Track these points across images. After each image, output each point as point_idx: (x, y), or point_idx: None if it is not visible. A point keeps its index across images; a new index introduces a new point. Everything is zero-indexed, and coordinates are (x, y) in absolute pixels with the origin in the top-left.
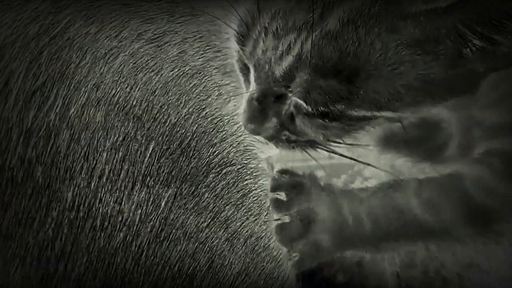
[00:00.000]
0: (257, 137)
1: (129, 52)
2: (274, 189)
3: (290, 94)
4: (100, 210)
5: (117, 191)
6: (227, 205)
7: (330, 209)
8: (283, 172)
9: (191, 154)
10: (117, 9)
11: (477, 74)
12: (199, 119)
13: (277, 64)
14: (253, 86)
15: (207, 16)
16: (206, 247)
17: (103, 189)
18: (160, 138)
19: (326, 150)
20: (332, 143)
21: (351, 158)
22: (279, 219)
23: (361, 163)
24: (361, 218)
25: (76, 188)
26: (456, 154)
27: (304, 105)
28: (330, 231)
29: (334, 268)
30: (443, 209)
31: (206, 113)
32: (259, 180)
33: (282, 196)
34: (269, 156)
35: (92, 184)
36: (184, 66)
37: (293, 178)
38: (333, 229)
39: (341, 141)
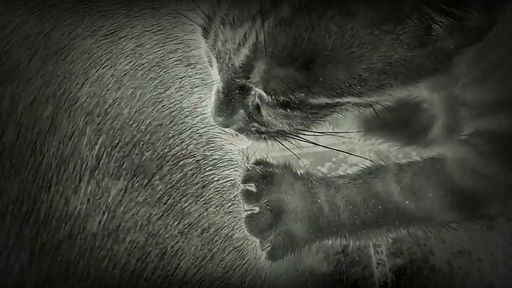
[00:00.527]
0: (227, 129)
1: (82, 49)
2: (245, 180)
3: (251, 85)
4: (45, 203)
5: (63, 185)
6: (183, 197)
7: (304, 198)
8: (256, 163)
9: (144, 148)
10: (72, 7)
11: (447, 51)
12: (155, 113)
13: (235, 55)
14: (217, 78)
15: (165, 10)
16: (158, 239)
17: (48, 183)
18: (110, 132)
19: (299, 140)
20: (307, 132)
21: (325, 147)
22: (248, 210)
23: (339, 151)
24: (337, 206)
25: (22, 183)
26: (441, 136)
27: (265, 95)
28: (303, 220)
29: (318, 257)
30: (424, 194)
31: (163, 106)
32: (224, 171)
33: (252, 187)
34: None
35: (38, 179)
36: (140, 59)
37: (264, 169)
38: (307, 218)
39: (317, 131)
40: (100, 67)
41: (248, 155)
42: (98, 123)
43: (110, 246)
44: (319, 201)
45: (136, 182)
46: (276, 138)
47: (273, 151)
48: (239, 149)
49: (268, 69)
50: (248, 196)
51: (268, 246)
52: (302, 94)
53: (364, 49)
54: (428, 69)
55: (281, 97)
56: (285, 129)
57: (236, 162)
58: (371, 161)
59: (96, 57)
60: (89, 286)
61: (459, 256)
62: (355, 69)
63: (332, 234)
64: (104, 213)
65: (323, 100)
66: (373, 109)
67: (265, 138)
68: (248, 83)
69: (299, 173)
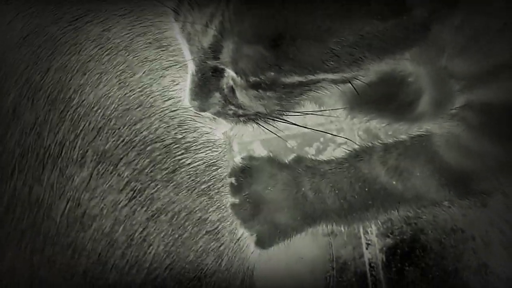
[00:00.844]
0: (204, 114)
1: (46, 37)
2: (230, 175)
3: (223, 67)
4: (8, 193)
5: (26, 174)
6: (151, 182)
7: (288, 187)
8: (242, 158)
9: (109, 134)
10: None
11: (423, 20)
12: (121, 97)
13: (204, 36)
14: (190, 61)
15: None
16: (125, 225)
17: (11, 172)
18: (75, 119)
19: (281, 122)
20: (289, 113)
21: (305, 127)
22: (232, 202)
23: (324, 132)
24: (323, 193)
25: None
26: (430, 111)
27: (235, 76)
28: (288, 209)
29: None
30: (412, 174)
31: (130, 91)
32: (198, 153)
33: (233, 180)
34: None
35: (0, 168)
36: (106, 44)
37: (245, 163)
38: (293, 206)
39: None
40: (64, 54)
41: (232, 138)
42: (62, 111)
43: (75, 234)
44: (303, 189)
45: (102, 169)
46: (256, 121)
47: (261, 135)
48: (222, 132)
49: (236, 48)
50: (231, 189)
51: (253, 235)
52: (273, 73)
53: (333, 21)
54: (404, 40)
55: (252, 77)
56: (261, 111)
57: (213, 143)
58: (356, 142)
59: (60, 44)
60: (55, 273)
61: (452, 235)
62: (325, 43)
63: (320, 220)
64: (68, 201)
65: (296, 78)
66: (352, 85)
67: (244, 121)
68: (219, 64)
69: (286, 161)
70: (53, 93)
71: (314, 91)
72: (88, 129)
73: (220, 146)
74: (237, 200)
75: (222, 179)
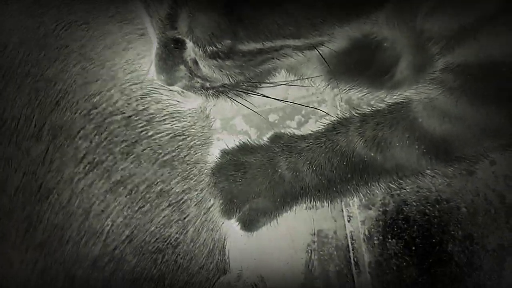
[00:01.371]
0: (172, 88)
1: (6, 15)
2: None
3: (182, 37)
4: None
5: None
6: (110, 155)
7: (263, 170)
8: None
9: (66, 107)
10: None
11: None
12: (81, 71)
13: (160, 5)
14: (152, 33)
15: None
16: (82, 198)
17: None
18: (32, 93)
19: (251, 94)
20: (258, 84)
21: (279, 100)
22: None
23: (300, 105)
24: (300, 171)
25: None
26: (409, 77)
27: (194, 46)
28: (266, 192)
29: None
30: (390, 144)
31: (90, 64)
32: (163, 124)
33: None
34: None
35: None
36: (66, 18)
37: (217, 160)
38: (270, 189)
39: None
40: (22, 30)
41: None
42: (19, 86)
43: (31, 207)
44: (280, 170)
45: (58, 143)
46: (226, 94)
47: (243, 109)
48: (196, 106)
49: (190, 16)
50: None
51: (237, 224)
52: (229, 41)
53: None
54: (366, 2)
55: (208, 47)
56: (226, 81)
57: (180, 114)
58: (337, 114)
59: (20, 20)
60: (10, 246)
61: (436, 205)
62: (280, 6)
63: (301, 198)
64: (24, 175)
65: (253, 45)
66: (318, 51)
67: (214, 95)
68: (177, 35)
69: (260, 143)
70: (10, 69)
71: (277, 59)
72: (45, 103)
73: (190, 116)
74: (211, 198)
75: (190, 147)
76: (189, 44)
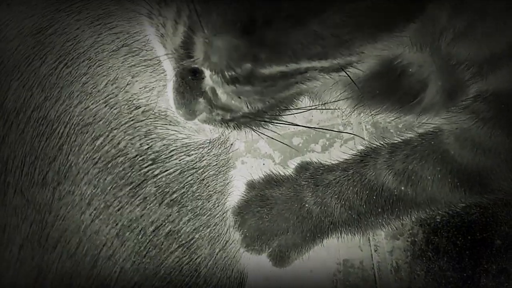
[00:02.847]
0: (192, 123)
1: (8, 52)
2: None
3: (199, 66)
4: None
5: None
6: (115, 199)
7: (290, 205)
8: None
9: (69, 152)
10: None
11: None
12: (83, 111)
13: (175, 35)
14: (169, 66)
15: None
16: (90, 246)
17: None
18: (34, 139)
19: (273, 123)
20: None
21: (303, 126)
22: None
23: (322, 130)
24: (328, 206)
25: None
26: (440, 102)
27: (212, 73)
28: (295, 228)
29: None
30: (421, 178)
31: (92, 103)
32: (170, 161)
33: (232, 219)
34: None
35: None
36: (69, 55)
37: (247, 194)
38: (299, 225)
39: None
40: (24, 71)
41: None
42: (22, 131)
43: (40, 257)
44: (307, 205)
45: (63, 190)
46: (248, 125)
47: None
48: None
49: (206, 41)
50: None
51: (269, 260)
52: (249, 65)
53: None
54: (399, 14)
55: (227, 72)
56: (245, 109)
57: (188, 147)
58: (364, 138)
59: (22, 59)
60: None
61: (468, 236)
62: (305, 25)
63: (330, 233)
64: (31, 224)
65: (276, 68)
66: (346, 72)
67: (235, 127)
68: (193, 63)
69: (286, 174)
70: (12, 114)
71: (302, 83)
72: (48, 148)
73: (201, 147)
74: (238, 237)
75: (202, 180)
76: (207, 73)
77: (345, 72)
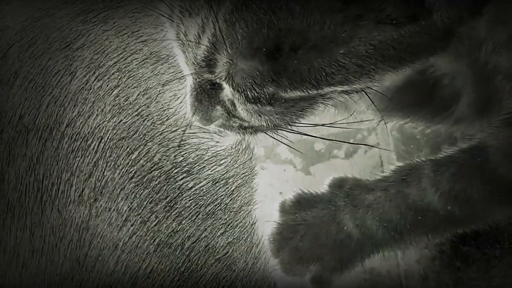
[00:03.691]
0: (208, 128)
1: (37, 69)
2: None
3: (218, 81)
4: (11, 240)
5: (26, 219)
6: (151, 214)
7: (327, 229)
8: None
9: (104, 167)
10: (28, 25)
11: (446, 24)
12: (116, 125)
13: (197, 48)
14: (188, 72)
15: (129, 6)
16: (128, 263)
17: (12, 218)
18: (69, 156)
19: (289, 132)
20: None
21: (323, 138)
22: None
23: (341, 142)
24: (369, 229)
25: None
26: (472, 115)
27: (233, 91)
28: (332, 252)
29: None
30: (469, 197)
31: (125, 116)
32: (203, 172)
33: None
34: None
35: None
36: (99, 69)
37: (280, 219)
38: (338, 248)
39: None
40: (55, 86)
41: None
42: (56, 148)
43: (79, 277)
44: (345, 228)
45: (99, 207)
46: (266, 132)
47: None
48: (229, 143)
49: (230, 62)
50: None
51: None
52: (271, 89)
53: (340, 30)
54: (424, 48)
55: (249, 93)
56: (265, 124)
57: (219, 156)
58: (390, 144)
59: (52, 75)
60: None
61: (497, 245)
62: (330, 55)
63: (371, 254)
64: (69, 243)
65: (297, 93)
66: (367, 95)
67: (252, 133)
68: (215, 78)
69: (319, 193)
70: (45, 131)
71: (322, 103)
72: (83, 164)
73: (229, 155)
74: (275, 261)
75: (233, 191)
76: (227, 87)
77: (367, 94)
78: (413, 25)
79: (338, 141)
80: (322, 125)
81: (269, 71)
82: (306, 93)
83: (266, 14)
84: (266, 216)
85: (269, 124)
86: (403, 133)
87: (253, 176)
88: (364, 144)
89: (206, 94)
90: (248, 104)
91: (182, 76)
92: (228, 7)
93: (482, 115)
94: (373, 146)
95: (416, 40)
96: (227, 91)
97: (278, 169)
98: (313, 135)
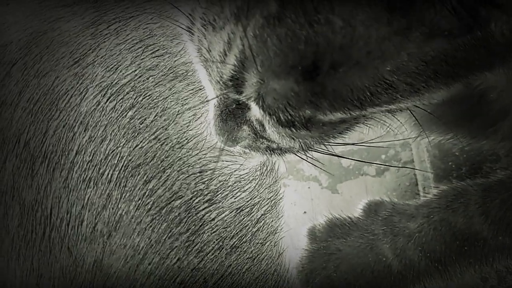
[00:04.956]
0: (233, 149)
1: (44, 88)
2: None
3: (246, 101)
4: (17, 282)
5: (33, 260)
6: (171, 251)
7: (362, 259)
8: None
9: (118, 199)
10: (33, 40)
11: (506, 36)
12: (132, 151)
13: (223, 66)
14: (211, 90)
15: (143, 16)
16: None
17: (17, 258)
18: (80, 187)
19: (322, 153)
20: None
21: (356, 160)
22: None
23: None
24: (411, 259)
25: None
26: None
27: (263, 113)
28: (370, 285)
29: None
30: None
31: (141, 141)
32: (226, 200)
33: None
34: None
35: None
36: (111, 87)
37: (310, 246)
38: (374, 281)
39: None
40: (64, 108)
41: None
42: (65, 179)
43: None
44: (384, 259)
45: (114, 243)
46: (294, 153)
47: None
48: (254, 164)
49: (260, 82)
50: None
51: None
52: (308, 111)
53: (387, 45)
54: (481, 63)
55: (282, 115)
56: (297, 147)
57: (243, 180)
58: (426, 161)
59: (60, 95)
60: None
61: None
62: (376, 73)
63: (409, 285)
64: (81, 285)
65: (338, 116)
66: (412, 113)
67: (279, 154)
68: (242, 98)
69: (353, 219)
70: (53, 159)
71: (363, 123)
72: (95, 196)
73: (254, 179)
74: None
75: (258, 220)
76: (255, 107)
77: (411, 113)
78: (468, 37)
79: (370, 162)
80: (358, 144)
81: (306, 91)
82: (348, 115)
83: (303, 29)
84: (292, 243)
85: (303, 146)
86: (441, 150)
87: (278, 200)
88: (401, 167)
89: (232, 113)
90: (281, 127)
91: (203, 95)
92: (259, 21)
93: None
94: (411, 168)
95: (472, 53)
96: (255, 111)
97: (302, 186)
98: (340, 155)
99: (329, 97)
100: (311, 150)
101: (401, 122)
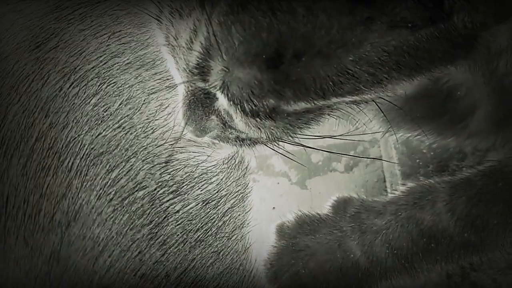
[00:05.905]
0: (201, 139)
1: (3, 73)
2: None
3: (212, 91)
4: None
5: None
6: (132, 243)
7: (330, 256)
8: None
9: (79, 189)
10: None
11: (468, 28)
12: (94, 139)
13: (189, 53)
14: (180, 79)
15: (109, 2)
16: None
17: None
18: (38, 175)
19: (292, 144)
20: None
21: (328, 151)
22: None
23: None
24: (378, 257)
25: None
26: (487, 130)
27: (227, 102)
28: (338, 283)
29: None
30: (487, 222)
31: (104, 129)
32: (192, 192)
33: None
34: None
35: None
36: (74, 74)
37: (278, 242)
38: (342, 278)
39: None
40: (24, 93)
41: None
42: (23, 166)
43: None
44: (352, 256)
45: (72, 234)
46: (264, 143)
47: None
48: (222, 156)
49: (225, 70)
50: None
51: None
52: (272, 101)
53: (349, 34)
54: (443, 55)
55: (247, 105)
56: (265, 137)
57: (210, 173)
58: (394, 157)
59: (20, 80)
60: None
61: (508, 272)
62: (338, 62)
63: (378, 284)
64: (36, 278)
65: (301, 105)
66: (378, 106)
67: (249, 145)
68: (208, 87)
69: (322, 216)
70: (11, 145)
71: (329, 114)
72: (55, 185)
73: (221, 171)
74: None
75: (225, 213)
76: (222, 98)
77: (377, 104)
78: (431, 29)
79: (343, 154)
80: (327, 137)
81: (269, 80)
82: (312, 104)
83: (266, 16)
84: (260, 238)
85: (270, 137)
86: (409, 147)
87: (246, 194)
88: (371, 158)
89: (200, 103)
90: (246, 117)
91: (171, 84)
92: (223, 8)
93: (498, 129)
94: (378, 159)
95: (434, 46)
96: (223, 100)
97: (271, 181)
98: (313, 147)
99: (292, 86)
100: (280, 141)
101: (369, 118)
